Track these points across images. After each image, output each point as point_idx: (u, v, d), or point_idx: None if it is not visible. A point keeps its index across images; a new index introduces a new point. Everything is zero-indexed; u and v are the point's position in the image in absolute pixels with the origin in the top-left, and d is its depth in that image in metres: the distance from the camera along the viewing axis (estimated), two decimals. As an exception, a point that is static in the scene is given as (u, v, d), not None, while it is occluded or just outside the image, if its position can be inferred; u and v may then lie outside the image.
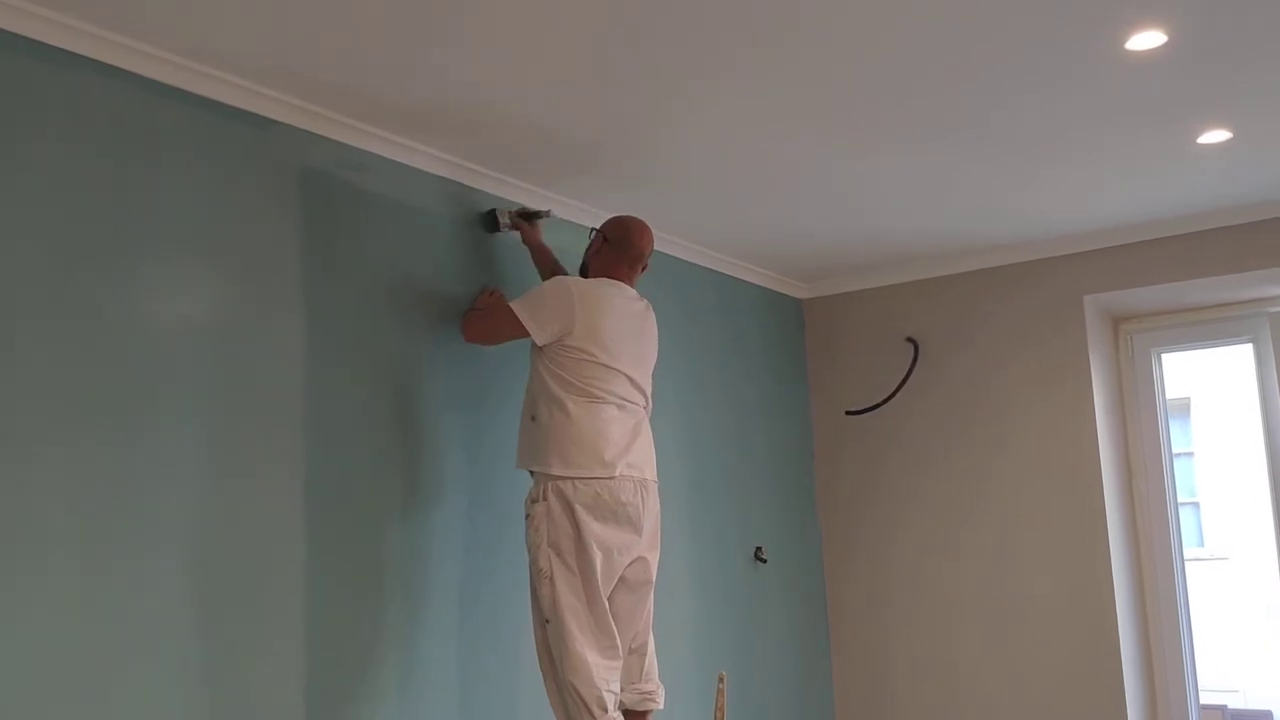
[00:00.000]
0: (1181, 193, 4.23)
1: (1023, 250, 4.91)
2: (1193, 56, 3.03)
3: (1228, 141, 3.67)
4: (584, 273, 3.44)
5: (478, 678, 3.44)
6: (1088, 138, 3.62)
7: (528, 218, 3.66)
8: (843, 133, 3.49)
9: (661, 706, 3.32)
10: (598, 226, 3.50)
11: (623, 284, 3.34)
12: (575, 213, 3.96)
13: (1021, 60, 3.02)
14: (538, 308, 3.19)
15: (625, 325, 3.25)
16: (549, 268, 3.61)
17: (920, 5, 2.69)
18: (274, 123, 3.04)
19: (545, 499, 3.09)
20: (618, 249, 3.38)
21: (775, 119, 3.36)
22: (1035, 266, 4.94)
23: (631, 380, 3.25)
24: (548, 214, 3.70)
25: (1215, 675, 7.37)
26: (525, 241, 3.66)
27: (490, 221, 3.62)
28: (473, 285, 3.55)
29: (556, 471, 3.09)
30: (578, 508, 3.06)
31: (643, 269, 3.46)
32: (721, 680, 3.91)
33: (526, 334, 3.19)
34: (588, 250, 3.47)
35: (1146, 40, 2.91)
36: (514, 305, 3.22)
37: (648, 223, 3.47)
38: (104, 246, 2.62)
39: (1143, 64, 3.05)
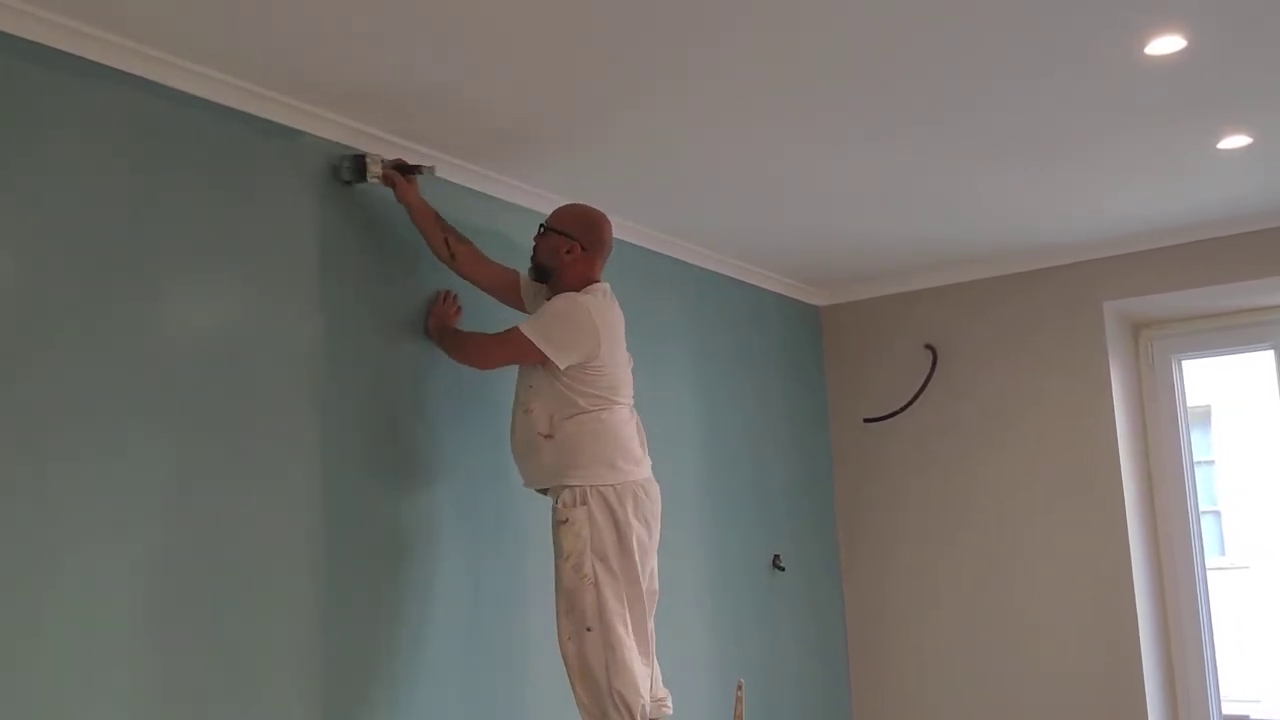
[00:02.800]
0: (1202, 198, 4.21)
1: (1042, 256, 4.90)
2: (1212, 61, 3.02)
3: (1248, 147, 3.65)
4: (542, 275, 3.27)
5: (488, 680, 3.44)
6: (1107, 142, 3.61)
7: (404, 171, 3.25)
8: (856, 136, 3.48)
9: (671, 712, 3.31)
10: (546, 222, 3.29)
11: (604, 284, 3.24)
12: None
13: (1040, 65, 3.02)
14: (560, 336, 3.08)
15: (620, 327, 3.22)
16: (435, 229, 3.30)
17: (937, 8, 2.69)
18: (294, 130, 3.06)
19: (586, 503, 3.04)
20: (595, 251, 3.24)
21: (787, 120, 3.36)
22: (1054, 273, 4.92)
23: (630, 376, 3.24)
24: (430, 169, 3.31)
25: (1237, 685, 7.32)
26: (401, 199, 3.25)
27: (357, 170, 3.18)
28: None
29: (598, 479, 3.05)
30: (623, 510, 3.04)
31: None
32: (740, 688, 3.90)
33: (546, 362, 3.09)
34: (548, 252, 3.24)
35: (1166, 45, 2.90)
36: (529, 334, 3.08)
37: (663, 226, 3.43)
38: (124, 254, 2.64)
39: (1162, 69, 3.04)
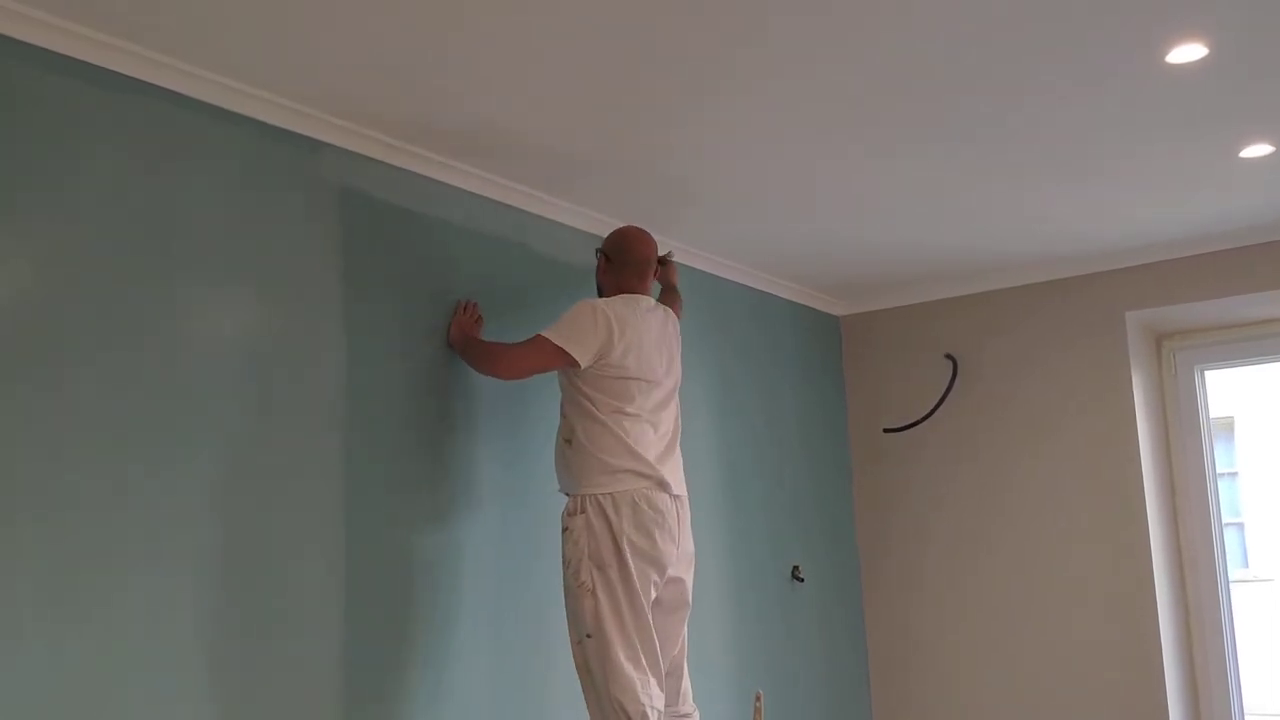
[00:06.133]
0: (1224, 207, 4.19)
1: (1063, 266, 4.88)
2: (1234, 70, 3.01)
3: (1270, 155, 3.64)
4: (599, 294, 3.42)
5: (509, 685, 3.44)
6: (1128, 151, 3.59)
7: (662, 262, 3.63)
8: (873, 144, 3.47)
9: None
10: (601, 246, 3.47)
11: (639, 295, 3.33)
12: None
13: (1061, 73, 3.01)
14: (577, 332, 3.14)
15: (651, 338, 3.25)
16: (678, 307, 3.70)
17: (957, 16, 2.68)
18: (318, 143, 3.07)
19: (584, 511, 3.08)
20: (621, 264, 3.36)
21: (818, 134, 3.36)
22: (1076, 282, 4.91)
23: (664, 391, 3.26)
24: (669, 254, 3.74)
25: (1260, 698, 7.26)
26: (665, 283, 3.76)
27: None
28: (504, 299, 3.56)
29: (597, 488, 3.09)
30: (618, 519, 3.06)
31: (655, 274, 3.46)
32: (759, 699, 3.89)
33: (569, 362, 3.14)
34: (597, 272, 3.48)
35: (1187, 53, 2.89)
36: (549, 336, 3.15)
37: (681, 236, 3.45)
38: (149, 265, 2.65)
39: (1183, 77, 3.02)
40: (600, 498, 3.09)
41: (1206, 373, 5.15)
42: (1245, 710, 4.97)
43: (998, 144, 3.49)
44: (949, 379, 5.14)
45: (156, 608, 2.57)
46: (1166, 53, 2.88)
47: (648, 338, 3.23)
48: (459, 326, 3.37)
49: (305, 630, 2.88)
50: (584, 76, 2.90)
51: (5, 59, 2.43)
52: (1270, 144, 3.56)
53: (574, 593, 3.08)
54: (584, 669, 3.09)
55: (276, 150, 2.98)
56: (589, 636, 3.04)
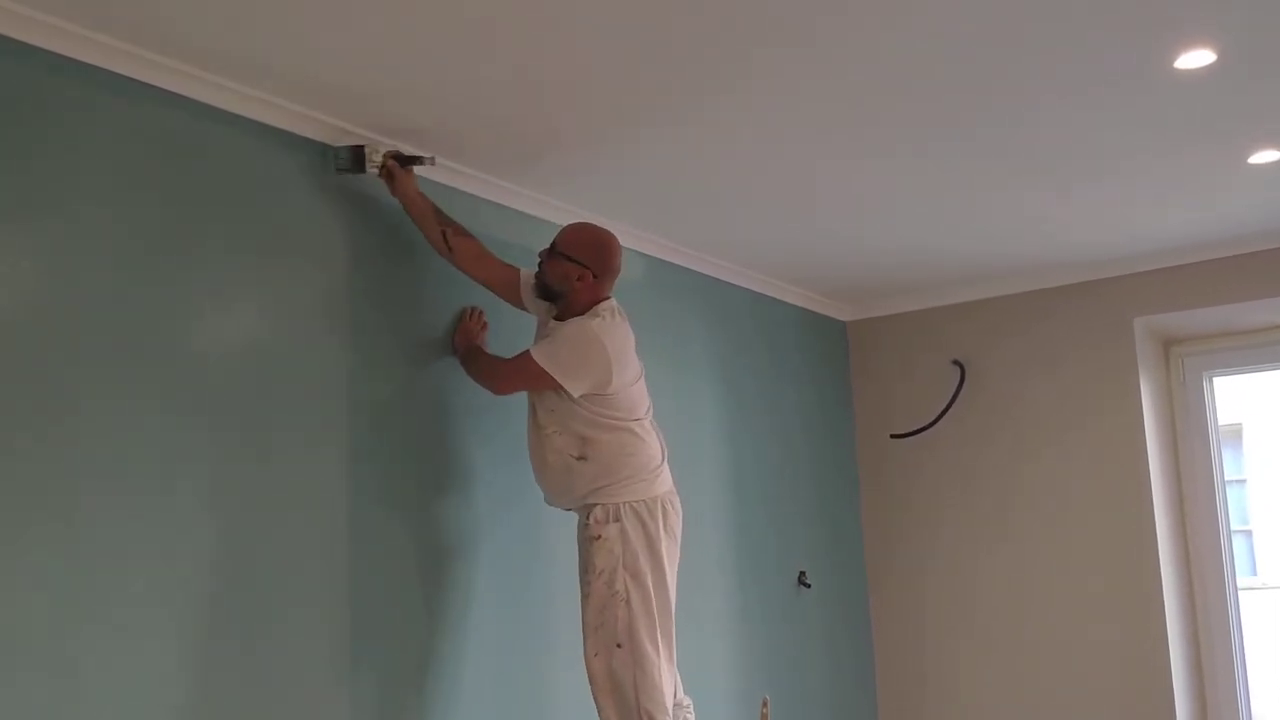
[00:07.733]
0: (1233, 213, 4.18)
1: (1071, 271, 4.86)
2: (1242, 76, 3.00)
3: (1279, 162, 3.62)
4: (549, 296, 3.22)
5: (513, 687, 3.44)
6: (1136, 157, 3.58)
7: (404, 162, 3.13)
8: (873, 144, 3.46)
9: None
10: (556, 245, 3.17)
11: (610, 301, 3.21)
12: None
13: (1069, 79, 3.00)
14: (573, 365, 3.05)
15: (630, 342, 3.19)
16: (431, 222, 3.19)
17: (960, 16, 2.67)
18: (322, 146, 3.07)
19: (619, 519, 3.04)
20: (606, 276, 3.19)
21: (820, 135, 3.36)
22: (1084, 288, 4.89)
23: (644, 389, 3.23)
24: (430, 159, 3.18)
25: (1269, 706, 7.24)
26: (395, 192, 3.15)
27: (355, 160, 3.09)
28: (508, 304, 3.56)
29: (633, 495, 3.06)
30: (654, 525, 3.05)
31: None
32: (765, 705, 3.88)
33: (559, 388, 3.05)
34: (558, 276, 3.16)
35: (1196, 59, 2.88)
36: (543, 362, 3.04)
37: (689, 240, 3.41)
38: (152, 269, 2.65)
39: (1192, 83, 3.01)
40: (635, 505, 3.06)
41: (1215, 379, 5.13)
42: (1254, 718, 4.95)
43: (1000, 145, 3.48)
44: (956, 384, 5.12)
45: (161, 610, 2.57)
46: (1175, 58, 2.88)
47: (629, 349, 3.18)
48: (463, 333, 3.36)
49: (308, 634, 2.88)
50: (584, 76, 2.90)
51: (7, 61, 2.43)
52: (1279, 151, 3.54)
53: (604, 602, 3.01)
54: (607, 678, 3.02)
55: (280, 153, 2.97)
56: (619, 646, 3.00)
